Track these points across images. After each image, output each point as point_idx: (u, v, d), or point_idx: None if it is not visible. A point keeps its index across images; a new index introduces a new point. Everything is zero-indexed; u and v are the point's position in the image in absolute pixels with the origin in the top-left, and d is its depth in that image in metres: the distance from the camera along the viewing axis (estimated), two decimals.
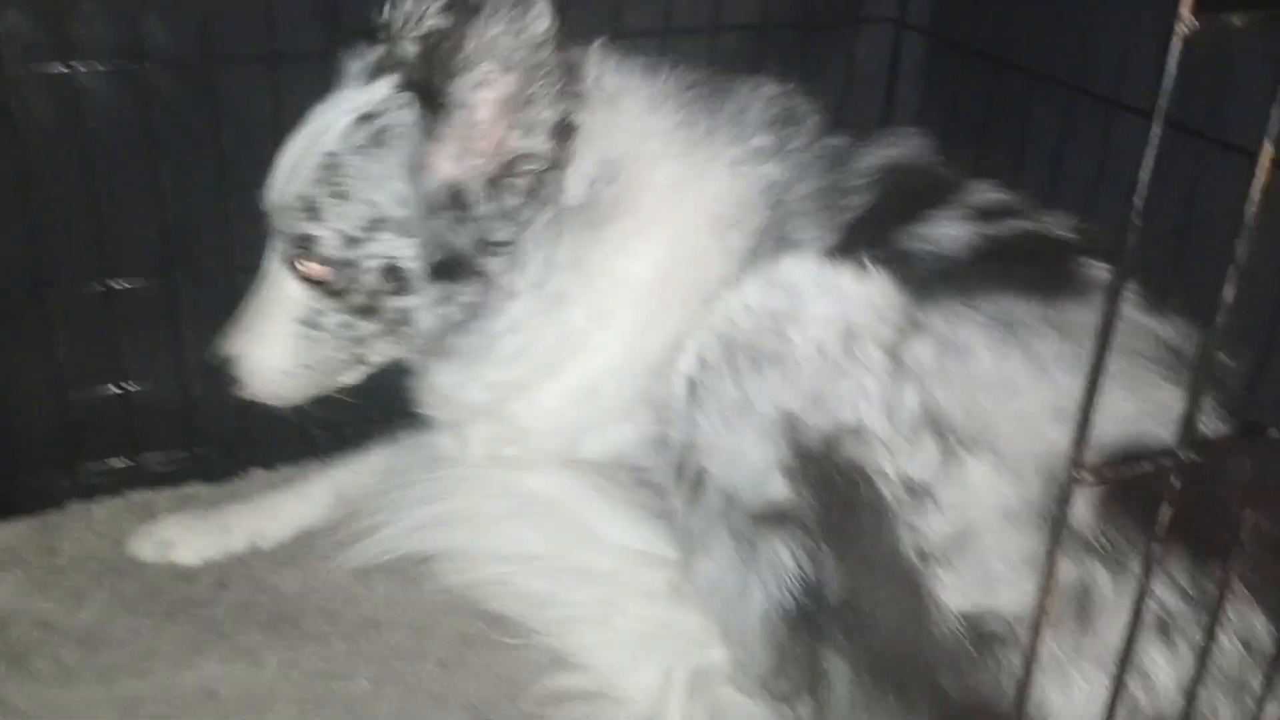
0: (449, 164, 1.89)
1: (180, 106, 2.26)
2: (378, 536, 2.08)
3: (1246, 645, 1.56)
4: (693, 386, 1.84)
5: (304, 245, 1.93)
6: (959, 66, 2.72)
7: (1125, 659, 1.36)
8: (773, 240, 2.03)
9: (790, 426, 1.70)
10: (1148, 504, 1.28)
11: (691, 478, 1.83)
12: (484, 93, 1.84)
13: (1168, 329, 1.85)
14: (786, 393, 1.72)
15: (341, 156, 1.91)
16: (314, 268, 1.93)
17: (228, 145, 2.28)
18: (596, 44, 2.06)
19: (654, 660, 1.88)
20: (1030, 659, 1.28)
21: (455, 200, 1.89)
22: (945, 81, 2.80)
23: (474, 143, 1.88)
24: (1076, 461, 1.22)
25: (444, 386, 2.13)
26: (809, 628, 1.68)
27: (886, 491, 1.62)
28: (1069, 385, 1.61)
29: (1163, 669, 1.53)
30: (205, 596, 2.19)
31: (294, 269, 1.96)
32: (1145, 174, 1.11)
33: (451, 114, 1.86)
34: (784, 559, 1.68)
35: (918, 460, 1.63)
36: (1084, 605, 1.54)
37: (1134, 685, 1.50)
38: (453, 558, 2.07)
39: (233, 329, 2.01)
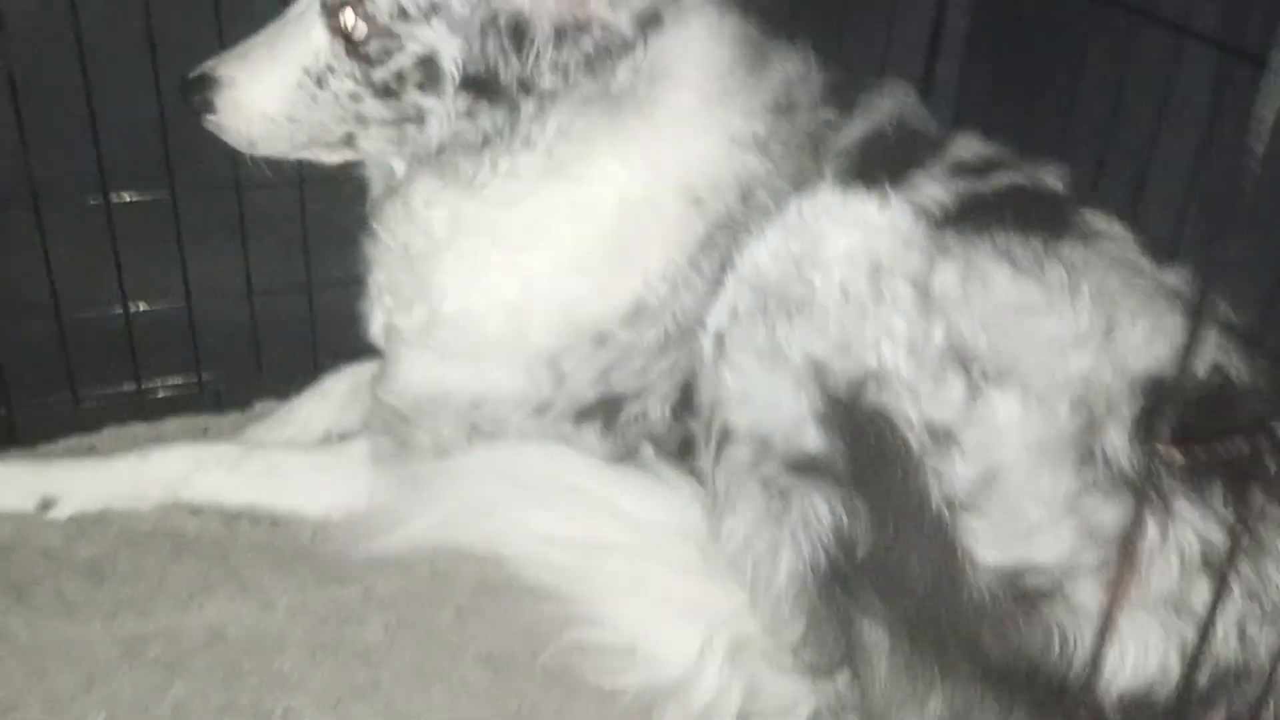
0: None
1: (182, 4, 2.16)
2: (394, 534, 2.00)
3: None
4: (720, 341, 1.82)
5: None
6: None
7: (1206, 631, 1.28)
8: (728, 235, 1.98)
9: (819, 374, 1.68)
10: (1189, 440, 1.21)
11: (719, 433, 1.81)
12: None
13: (1171, 275, 1.85)
14: (814, 339, 1.70)
15: None
16: (352, 20, 1.83)
17: (234, 44, 2.12)
18: None
19: (691, 627, 1.82)
20: (1103, 636, 1.19)
21: (514, 30, 1.83)
22: (998, 5, 2.68)
23: None
24: (1165, 439, 1.12)
25: (415, 198, 2.03)
26: (842, 588, 1.65)
27: (911, 438, 1.60)
28: (1089, 313, 1.64)
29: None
30: (215, 533, 2.13)
31: (329, 16, 1.86)
32: (1268, 113, 0.98)
33: None
34: (819, 510, 1.66)
35: (941, 401, 1.61)
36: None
37: (1186, 625, 1.49)
38: (476, 550, 2.00)
39: (231, 52, 1.91)
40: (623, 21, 1.84)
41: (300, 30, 1.88)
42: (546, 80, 1.86)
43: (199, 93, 1.88)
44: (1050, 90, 2.50)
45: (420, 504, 2.01)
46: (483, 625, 1.97)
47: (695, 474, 1.95)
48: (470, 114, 1.89)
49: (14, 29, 2.08)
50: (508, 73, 1.85)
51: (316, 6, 1.87)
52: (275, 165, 2.01)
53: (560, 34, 1.83)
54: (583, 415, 2.05)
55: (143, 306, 2.37)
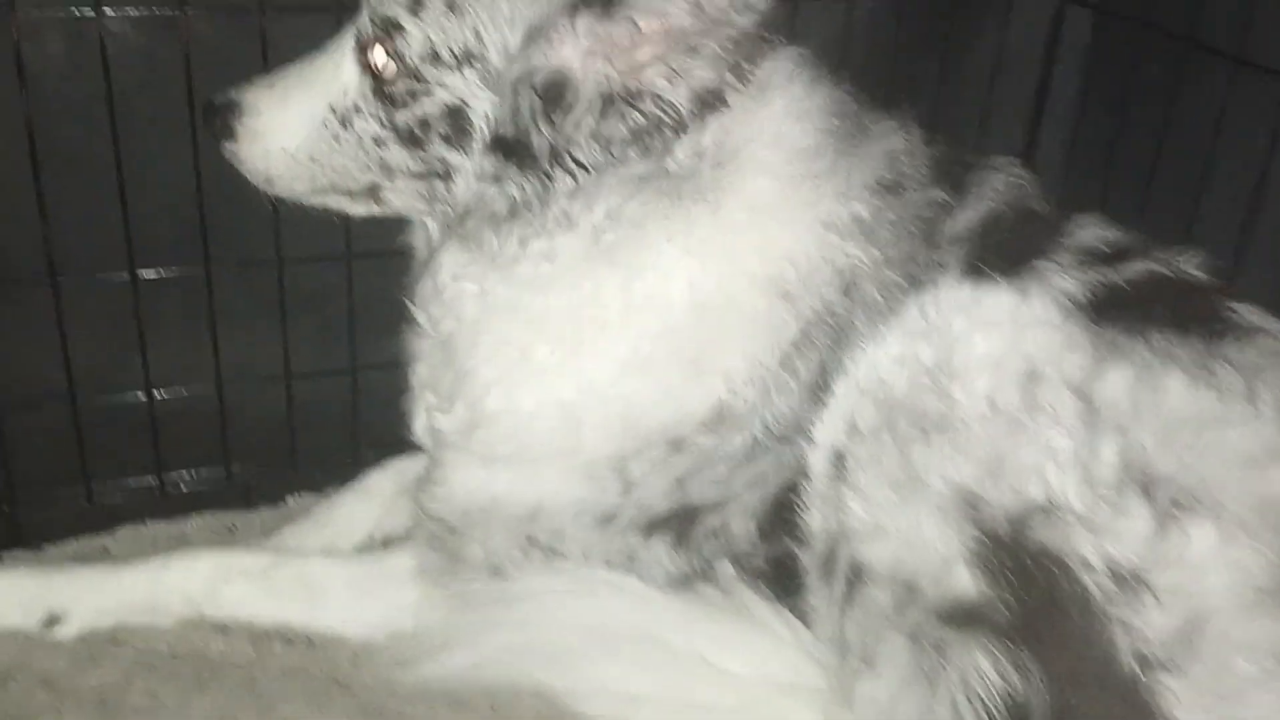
0: (571, 54, 1.71)
1: (224, 61, 2.05)
2: (445, 662, 1.83)
3: None
4: (839, 460, 1.65)
5: (386, 32, 1.76)
6: (1133, 45, 2.46)
7: None
8: (829, 332, 1.83)
9: (971, 505, 1.52)
10: None
11: (847, 572, 1.62)
12: (656, 19, 1.67)
13: None
14: (960, 464, 1.55)
15: None
16: (382, 59, 1.77)
17: None
18: (790, 49, 1.90)
19: None
20: None
21: (552, 91, 1.71)
22: (1114, 64, 2.55)
23: (613, 53, 1.70)
24: None
25: (443, 271, 1.92)
26: None
27: (1090, 582, 1.44)
28: (1276, 423, 1.52)
29: None
30: (243, 656, 1.94)
31: (361, 52, 1.80)
32: None
33: (611, 15, 1.68)
34: (983, 669, 1.47)
35: (1124, 535, 1.45)
36: None
37: None
38: (541, 695, 1.83)
39: (261, 79, 1.86)
40: (680, 98, 1.71)
41: (331, 64, 1.84)
42: (583, 152, 1.74)
43: (221, 118, 1.84)
44: (1175, 162, 2.36)
45: (474, 630, 1.84)
46: None
47: (796, 610, 1.77)
48: (497, 179, 1.79)
49: (38, 85, 2.00)
50: (540, 139, 1.74)
51: (351, 41, 1.82)
52: (320, 235, 1.97)
53: (607, 102, 1.71)
54: (654, 527, 1.87)
55: (167, 392, 2.27)
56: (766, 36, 1.75)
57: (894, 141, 1.95)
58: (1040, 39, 2.67)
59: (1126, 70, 2.48)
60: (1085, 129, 2.63)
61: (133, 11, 2.01)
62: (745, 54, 1.72)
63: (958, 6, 2.56)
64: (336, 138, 1.82)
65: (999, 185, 1.96)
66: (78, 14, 1.98)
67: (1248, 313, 1.75)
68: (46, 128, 2.01)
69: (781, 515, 1.79)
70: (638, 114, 1.71)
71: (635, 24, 1.66)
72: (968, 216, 1.91)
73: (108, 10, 1.99)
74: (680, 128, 1.73)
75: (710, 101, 1.73)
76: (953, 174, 1.96)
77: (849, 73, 2.17)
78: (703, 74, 1.70)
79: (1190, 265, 1.86)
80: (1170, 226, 2.23)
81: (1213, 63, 2.24)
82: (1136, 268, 1.82)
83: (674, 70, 1.69)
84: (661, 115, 1.71)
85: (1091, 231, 1.90)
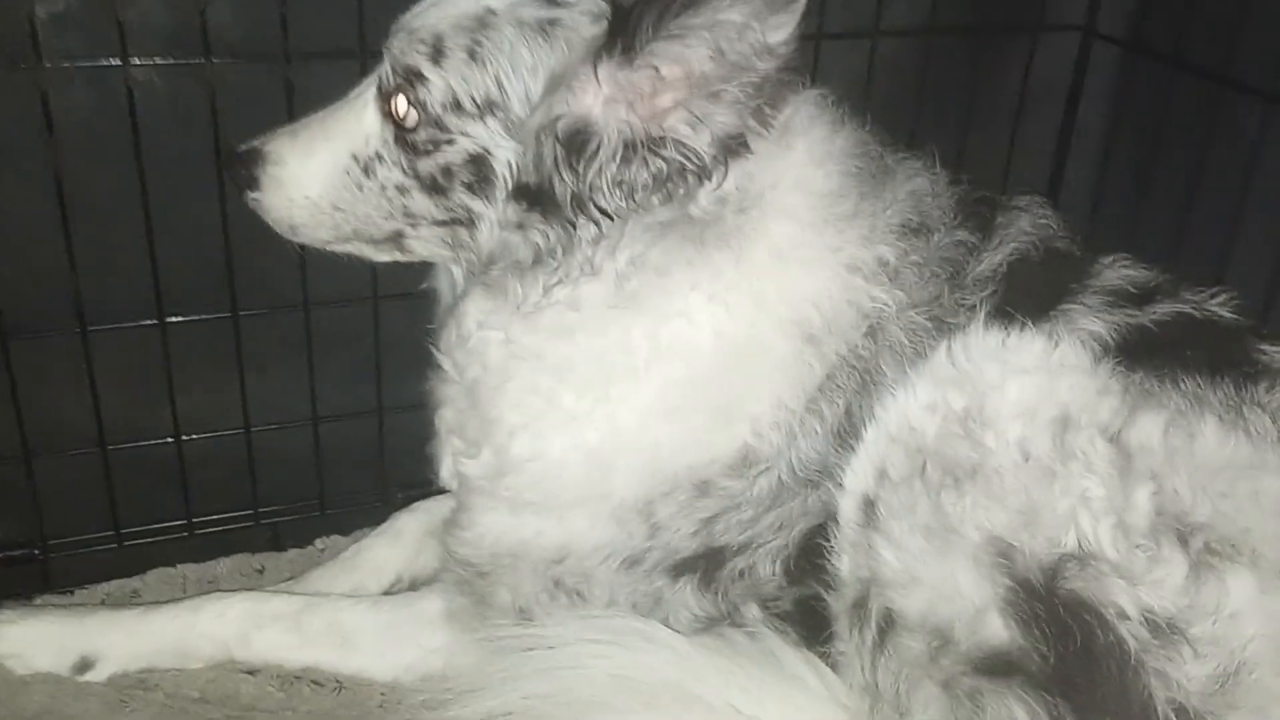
0: (593, 102, 1.72)
1: (250, 108, 2.06)
2: (474, 705, 1.81)
3: None
4: (869, 507, 1.64)
5: (408, 81, 1.77)
6: (1159, 81, 2.45)
7: None
8: (854, 376, 1.83)
9: (1002, 555, 1.52)
10: None
11: (880, 619, 1.61)
12: (677, 65, 1.67)
13: None
14: (993, 512, 1.54)
15: (500, 20, 1.75)
16: (404, 107, 1.78)
17: None
18: (812, 91, 1.91)
19: None
20: None
21: (574, 139, 1.72)
22: (1142, 99, 2.55)
23: (635, 102, 1.71)
24: None
25: (468, 318, 1.91)
26: None
27: (1126, 632, 1.44)
28: None
29: None
30: (273, 699, 1.97)
31: (383, 101, 1.81)
32: None
33: (632, 62, 1.68)
34: (1020, 719, 1.47)
35: (1160, 585, 1.45)
36: None
37: None
38: None
39: (285, 129, 1.88)
40: (702, 144, 1.70)
41: (353, 113, 1.85)
42: (606, 199, 1.73)
43: (245, 167, 1.85)
44: (1207, 200, 2.35)
45: (503, 677, 1.81)
46: None
47: (823, 655, 1.76)
48: (521, 226, 1.79)
49: (66, 134, 2.01)
50: (563, 186, 1.74)
51: (373, 89, 1.83)
52: (346, 277, 1.98)
53: (629, 149, 1.71)
54: (680, 569, 1.87)
55: (196, 437, 2.28)
56: (789, 80, 1.74)
57: (918, 183, 1.94)
58: (1067, 75, 2.65)
59: (1155, 107, 2.46)
60: (1112, 166, 2.62)
61: (158, 60, 2.02)
62: (768, 99, 1.71)
63: (984, 43, 2.55)
64: (359, 185, 1.83)
65: (1025, 226, 1.95)
66: (104, 64, 1.99)
67: (1275, 352, 1.73)
68: (74, 176, 2.02)
69: (809, 559, 1.79)
70: (660, 160, 1.71)
71: (657, 70, 1.66)
72: (993, 259, 1.90)
73: (134, 60, 2.00)
74: (703, 174, 1.72)
75: (733, 147, 1.72)
76: (978, 215, 1.96)
77: (873, 111, 2.17)
78: (725, 120, 1.69)
79: (1219, 305, 1.84)
80: (1202, 264, 2.22)
81: (1245, 99, 2.22)
82: (1165, 309, 1.81)
83: (696, 116, 1.68)
84: (684, 161, 1.71)
85: (1118, 271, 1.89)
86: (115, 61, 1.99)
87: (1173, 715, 1.40)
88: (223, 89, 2.05)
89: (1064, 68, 2.64)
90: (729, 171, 1.75)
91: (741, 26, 1.63)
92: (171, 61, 2.03)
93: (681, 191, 1.75)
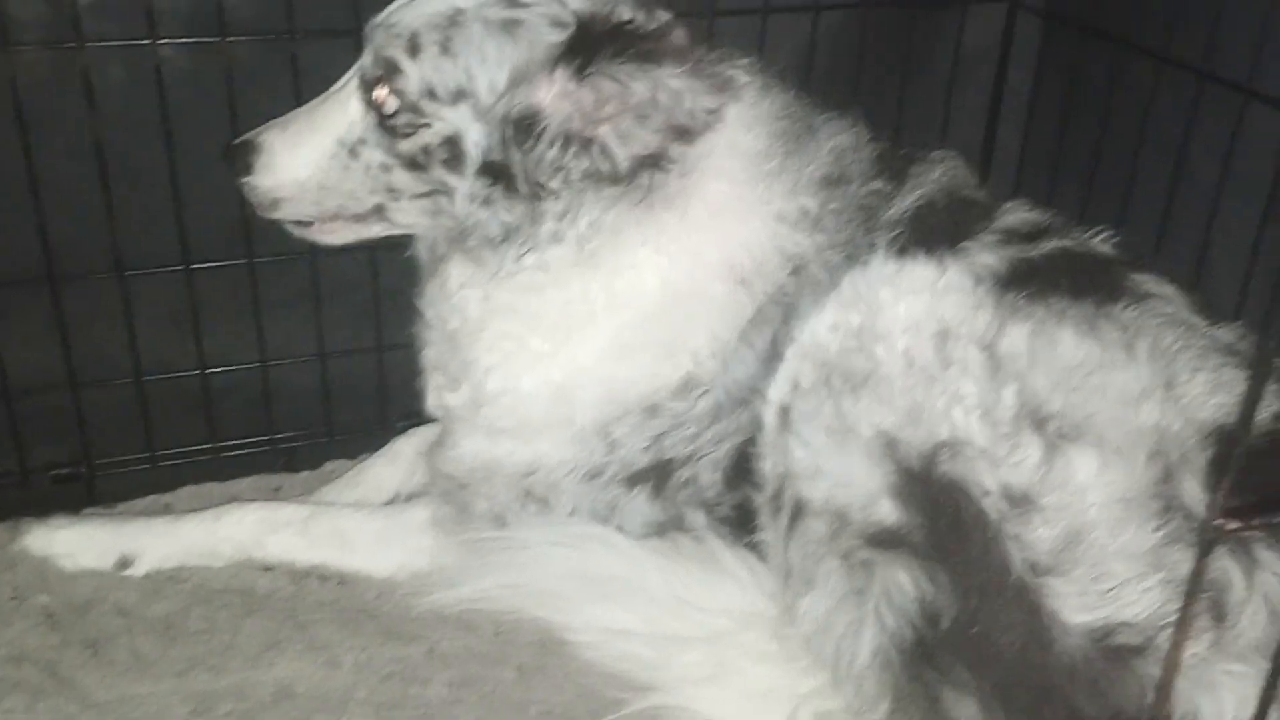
0: (544, 95, 1.89)
1: (261, 81, 2.22)
2: (455, 592, 2.03)
3: None
4: (785, 413, 1.81)
5: (387, 71, 1.92)
6: (1078, 50, 2.58)
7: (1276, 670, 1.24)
8: (780, 309, 1.99)
9: (891, 447, 1.67)
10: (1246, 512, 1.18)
11: (790, 507, 1.78)
12: (616, 95, 1.86)
13: (1225, 332, 1.84)
14: (883, 412, 1.69)
15: (468, 19, 1.90)
16: (385, 95, 1.92)
17: None
18: (744, 60, 2.08)
19: (773, 711, 1.80)
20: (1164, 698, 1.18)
21: (524, 122, 1.89)
22: (1061, 66, 2.66)
23: (579, 107, 1.88)
24: (1220, 510, 1.11)
25: (451, 280, 2.10)
26: (928, 662, 1.62)
27: (988, 505, 1.59)
28: (1149, 368, 1.65)
29: None
30: (285, 590, 2.16)
31: (366, 91, 1.95)
32: None
33: (582, 77, 1.86)
34: (901, 583, 1.64)
35: (1018, 464, 1.60)
36: (1220, 603, 1.52)
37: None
38: (541, 627, 2.01)
39: (275, 121, 2.00)
40: (620, 157, 1.88)
41: (338, 103, 1.97)
42: (550, 179, 1.91)
43: (240, 158, 1.98)
44: (1113, 154, 2.50)
45: (480, 569, 2.02)
46: (545, 684, 1.97)
47: (753, 547, 1.94)
48: (488, 202, 1.95)
49: (104, 106, 2.15)
50: (519, 165, 1.91)
51: (356, 81, 1.96)
52: None
53: (567, 139, 1.88)
54: (634, 479, 2.06)
55: (219, 371, 2.42)
56: (714, 110, 1.92)
57: (840, 140, 2.10)
58: (995, 44, 2.74)
59: (1073, 71, 2.59)
60: (1036, 126, 2.74)
61: (183, 40, 2.16)
62: (683, 131, 1.89)
63: (918, 15, 2.63)
64: (345, 167, 1.97)
65: (935, 175, 2.11)
66: (135, 44, 2.12)
67: (1148, 282, 1.88)
68: (112, 143, 2.16)
69: (742, 466, 1.97)
70: (588, 159, 1.88)
71: (599, 90, 1.85)
72: (903, 204, 2.06)
73: (161, 39, 2.13)
74: (617, 180, 1.89)
75: (649, 164, 1.89)
76: (894, 167, 2.11)
77: (817, 80, 2.31)
78: (649, 139, 1.87)
79: (1099, 242, 2.00)
80: (1109, 206, 2.40)
81: (1147, 62, 2.36)
82: (1051, 245, 1.96)
83: (624, 133, 1.86)
84: (607, 167, 1.88)
85: (1018, 215, 2.05)
86: (145, 41, 2.12)
87: (1027, 572, 1.55)
88: (237, 63, 2.18)
89: (992, 37, 2.73)
90: (638, 182, 1.90)
91: (679, 92, 1.85)
92: (192, 40, 2.16)
93: (603, 186, 1.91)
